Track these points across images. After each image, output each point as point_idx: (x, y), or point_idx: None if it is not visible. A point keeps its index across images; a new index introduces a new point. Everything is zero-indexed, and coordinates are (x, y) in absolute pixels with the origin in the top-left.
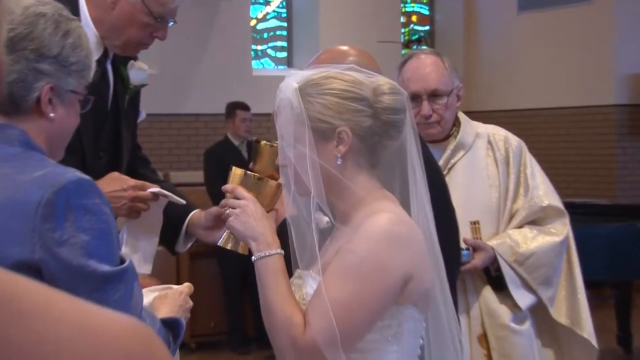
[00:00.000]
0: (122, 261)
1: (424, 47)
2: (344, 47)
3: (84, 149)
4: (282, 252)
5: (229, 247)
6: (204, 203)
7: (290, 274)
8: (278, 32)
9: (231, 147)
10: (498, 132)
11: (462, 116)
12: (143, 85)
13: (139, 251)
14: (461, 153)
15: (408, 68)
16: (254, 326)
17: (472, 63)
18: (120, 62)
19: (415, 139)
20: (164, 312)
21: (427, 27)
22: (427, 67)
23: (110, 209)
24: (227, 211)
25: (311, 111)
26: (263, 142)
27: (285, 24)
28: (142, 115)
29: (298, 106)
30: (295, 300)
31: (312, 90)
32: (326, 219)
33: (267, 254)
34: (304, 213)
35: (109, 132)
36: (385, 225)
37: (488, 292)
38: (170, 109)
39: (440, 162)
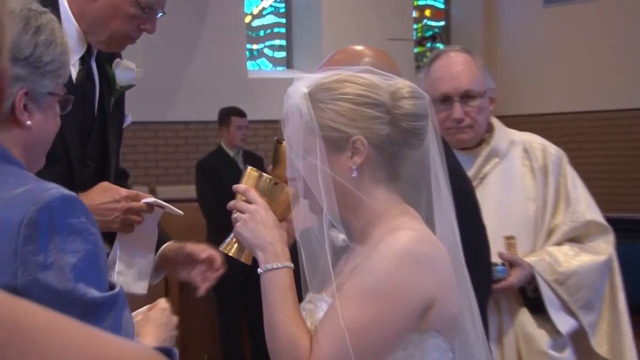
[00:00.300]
0: (112, 287)
1: (454, 46)
2: (359, 47)
3: (71, 157)
4: (292, 265)
5: (231, 253)
6: (195, 221)
7: (299, 296)
8: (276, 30)
9: (226, 157)
10: (535, 140)
11: (495, 121)
12: (130, 86)
13: (133, 268)
14: (495, 161)
15: (437, 67)
16: (252, 358)
17: (492, 63)
18: (105, 61)
19: (439, 147)
20: (149, 338)
21: (442, 23)
22: (458, 65)
23: (97, 229)
24: (235, 215)
25: (322, 118)
26: (285, 143)
27: (283, 20)
28: (129, 120)
29: (308, 113)
30: (302, 320)
31: (323, 96)
32: (342, 236)
33: (274, 267)
34: (316, 231)
35: (97, 137)
36: (406, 244)
37: (524, 315)
38: (156, 116)
39: (472, 171)
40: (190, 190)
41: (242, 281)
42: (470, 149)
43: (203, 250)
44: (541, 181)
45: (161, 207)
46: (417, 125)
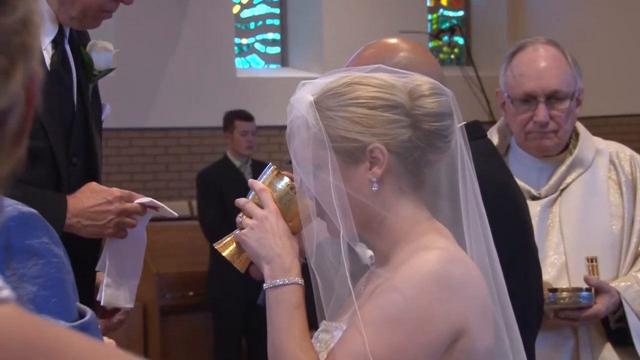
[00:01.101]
0: (82, 314)
1: (539, 37)
2: (393, 40)
3: (54, 154)
4: (302, 282)
5: (225, 254)
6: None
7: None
8: (268, 22)
9: (230, 169)
10: (623, 151)
11: (580, 126)
12: (110, 70)
13: (122, 280)
14: (578, 171)
15: (520, 61)
16: None
17: None
18: (79, 43)
19: (467, 149)
20: None
21: (460, 13)
22: (545, 60)
23: (62, 248)
24: (241, 219)
25: (333, 128)
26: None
27: (277, 11)
28: (107, 110)
29: (316, 124)
30: (310, 345)
31: (332, 103)
32: (370, 252)
33: (282, 283)
34: (330, 256)
35: (80, 131)
36: (434, 265)
37: (608, 350)
38: (130, 122)
39: (552, 181)
40: (171, 207)
41: (244, 315)
42: (551, 157)
43: None
44: (628, 197)
45: (156, 208)
46: (441, 125)
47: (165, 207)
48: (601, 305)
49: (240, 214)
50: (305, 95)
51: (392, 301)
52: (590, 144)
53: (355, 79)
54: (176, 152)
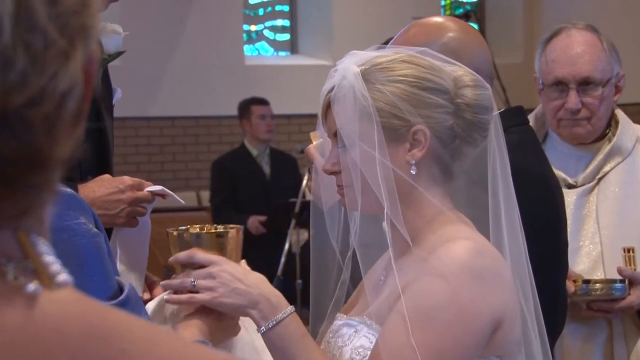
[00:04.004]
0: (121, 289)
1: (578, 22)
2: (439, 19)
3: None
4: (293, 308)
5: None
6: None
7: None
8: (277, 7)
9: (247, 157)
10: None
11: (620, 114)
12: (120, 53)
13: (133, 268)
14: (617, 160)
15: (554, 47)
16: None
17: (535, 46)
18: None
19: (502, 145)
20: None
21: None
22: (579, 46)
23: (101, 227)
24: (195, 285)
25: (380, 102)
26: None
27: None
28: (118, 94)
29: (364, 96)
30: None
31: (381, 76)
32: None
33: (279, 319)
34: (333, 240)
35: (90, 116)
36: (465, 257)
37: None
38: (136, 111)
39: (589, 170)
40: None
41: None
42: (589, 145)
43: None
44: None
45: (163, 196)
46: (482, 118)
47: (173, 194)
48: (635, 297)
49: (192, 280)
50: (351, 65)
51: (431, 297)
52: (630, 131)
53: (404, 56)
54: (183, 142)
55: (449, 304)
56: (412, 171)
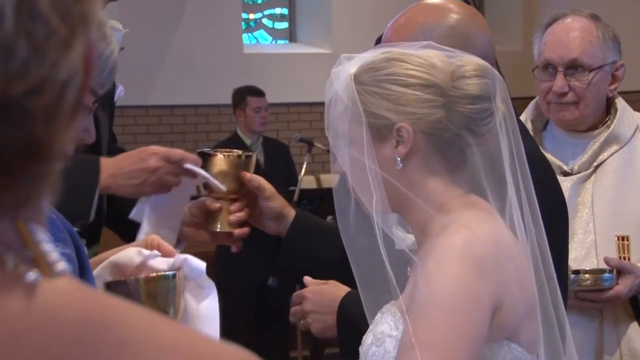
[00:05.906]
0: None
1: (581, 10)
2: (437, 0)
3: None
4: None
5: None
6: None
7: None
8: None
9: (240, 146)
10: None
11: (620, 102)
12: (119, 50)
13: (163, 225)
14: (614, 148)
15: (550, 31)
16: None
17: (533, 32)
18: None
19: (513, 134)
20: None
21: None
22: (572, 31)
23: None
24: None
25: (366, 104)
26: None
27: None
28: (119, 90)
29: (352, 98)
30: None
31: (368, 77)
32: (411, 236)
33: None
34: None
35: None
36: (461, 247)
37: (633, 330)
38: (134, 100)
39: (585, 157)
40: None
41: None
42: (586, 132)
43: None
44: None
45: (195, 175)
46: (475, 108)
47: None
48: (622, 286)
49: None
50: (347, 68)
51: (432, 290)
52: (630, 119)
53: (395, 54)
54: (182, 131)
55: (448, 297)
56: (397, 167)
